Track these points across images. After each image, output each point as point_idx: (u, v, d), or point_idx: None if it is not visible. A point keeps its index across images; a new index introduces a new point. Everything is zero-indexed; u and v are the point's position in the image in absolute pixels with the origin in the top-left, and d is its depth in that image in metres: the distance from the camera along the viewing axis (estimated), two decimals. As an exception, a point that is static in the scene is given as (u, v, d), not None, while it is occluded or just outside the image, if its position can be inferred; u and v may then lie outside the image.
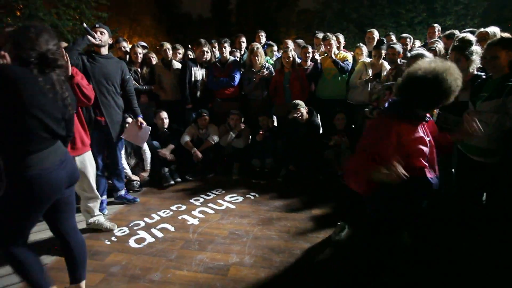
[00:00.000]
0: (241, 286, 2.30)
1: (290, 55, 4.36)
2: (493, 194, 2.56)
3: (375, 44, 4.39)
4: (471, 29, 3.65)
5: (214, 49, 5.08)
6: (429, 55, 2.85)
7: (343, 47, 4.84)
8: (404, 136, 1.77)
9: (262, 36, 5.52)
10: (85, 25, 3.25)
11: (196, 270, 2.49)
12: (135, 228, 3.17)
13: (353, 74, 4.24)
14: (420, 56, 2.72)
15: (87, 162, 2.85)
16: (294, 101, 4.17)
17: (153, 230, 3.12)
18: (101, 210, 3.31)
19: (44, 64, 1.64)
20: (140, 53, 4.60)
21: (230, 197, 3.81)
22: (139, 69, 4.60)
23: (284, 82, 4.43)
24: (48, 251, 2.66)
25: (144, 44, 5.13)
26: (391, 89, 2.88)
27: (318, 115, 4.64)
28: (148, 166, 4.24)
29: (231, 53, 4.89)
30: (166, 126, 4.48)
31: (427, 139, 1.84)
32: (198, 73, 4.60)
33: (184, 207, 3.58)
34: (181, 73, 4.60)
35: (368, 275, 2.25)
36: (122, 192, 3.74)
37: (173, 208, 3.57)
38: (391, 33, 5.11)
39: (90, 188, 2.94)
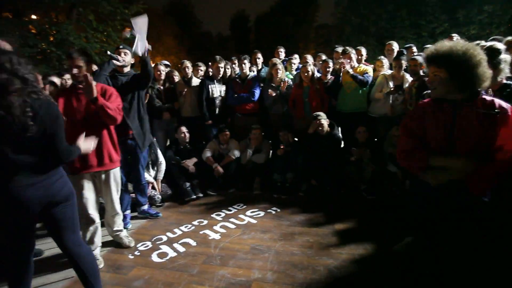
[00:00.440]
0: (264, 303, 2.28)
1: (309, 70, 4.40)
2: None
3: (395, 55, 4.35)
4: (497, 37, 3.54)
5: (234, 65, 5.18)
6: None
7: (364, 60, 4.81)
8: None
9: (281, 52, 5.61)
10: (109, 52, 3.36)
11: (218, 286, 2.48)
12: (157, 242, 3.20)
13: (374, 87, 4.20)
14: None
15: (111, 178, 2.90)
16: (315, 113, 4.17)
17: (175, 244, 3.14)
18: (125, 224, 3.38)
19: None
20: (162, 71, 4.77)
21: (252, 212, 3.80)
22: (161, 87, 4.76)
23: (304, 96, 4.45)
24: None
25: (167, 62, 5.32)
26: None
27: (339, 128, 4.60)
28: (161, 176, 4.33)
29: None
30: (187, 140, 4.57)
31: None
32: (216, 90, 4.67)
33: (205, 222, 3.60)
34: (199, 91, 4.69)
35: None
36: (145, 207, 3.80)
37: (195, 223, 3.59)
38: (412, 45, 5.01)
39: (111, 204, 2.99)
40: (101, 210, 3.08)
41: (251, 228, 3.42)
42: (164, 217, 3.81)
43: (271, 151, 4.72)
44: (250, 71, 4.92)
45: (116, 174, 2.96)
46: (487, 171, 1.66)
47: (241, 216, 3.70)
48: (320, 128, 4.11)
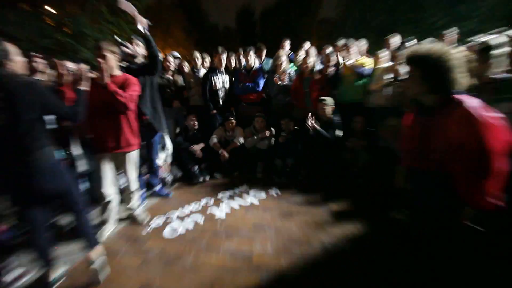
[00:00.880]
0: (263, 272, 2.37)
1: (308, 62, 4.40)
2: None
3: (395, 48, 4.29)
4: (498, 29, 3.46)
5: (240, 56, 5.18)
6: None
7: (365, 53, 4.76)
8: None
9: (286, 44, 5.58)
10: (119, 39, 3.37)
11: (223, 257, 2.58)
12: (169, 219, 3.30)
13: (373, 79, 4.18)
14: None
15: (128, 160, 3.02)
16: (322, 97, 4.17)
17: (185, 221, 3.24)
18: (140, 203, 3.50)
19: None
20: (172, 62, 4.79)
21: (254, 193, 3.87)
22: (171, 77, 4.79)
23: (304, 87, 4.47)
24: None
25: (177, 54, 5.33)
26: None
27: (339, 115, 4.61)
28: (169, 159, 4.42)
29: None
30: (196, 127, 4.64)
31: None
32: (219, 81, 4.65)
33: (212, 202, 3.69)
34: (203, 82, 4.70)
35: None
36: (158, 188, 3.91)
37: (202, 202, 3.68)
38: (410, 39, 4.94)
39: (129, 183, 3.12)
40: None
41: (254, 208, 3.50)
42: (175, 196, 3.90)
43: (273, 138, 4.79)
44: (254, 62, 4.93)
45: (133, 156, 3.05)
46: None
47: (245, 196, 3.79)
48: (322, 113, 4.12)
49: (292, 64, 5.14)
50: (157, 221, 3.26)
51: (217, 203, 3.66)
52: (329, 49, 4.70)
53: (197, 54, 4.97)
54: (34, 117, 1.90)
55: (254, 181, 4.27)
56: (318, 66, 4.68)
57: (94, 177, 3.08)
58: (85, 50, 10.33)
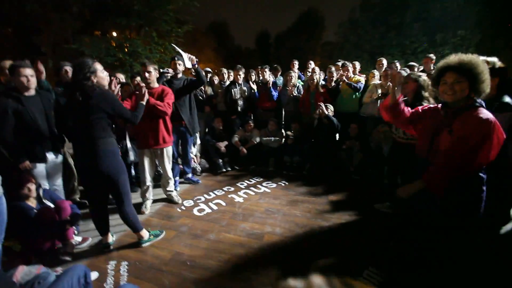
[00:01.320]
0: (272, 248, 2.32)
1: (315, 78, 4.28)
2: None
3: (383, 69, 4.15)
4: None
5: (260, 73, 5.09)
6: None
7: (359, 72, 4.62)
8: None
9: (295, 64, 5.48)
10: (161, 70, 3.45)
11: (240, 235, 2.54)
12: (197, 201, 3.28)
13: (366, 93, 4.04)
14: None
15: (165, 154, 3.01)
16: (326, 104, 4.01)
17: (210, 204, 3.21)
18: (175, 187, 3.49)
19: None
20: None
21: (267, 183, 3.81)
22: (203, 87, 4.76)
23: (310, 98, 4.35)
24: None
25: (209, 69, 5.30)
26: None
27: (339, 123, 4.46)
28: (198, 153, 4.45)
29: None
30: (221, 128, 4.60)
31: None
32: (237, 92, 4.53)
33: (232, 189, 3.64)
34: (225, 93, 4.63)
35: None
36: (189, 175, 3.89)
37: (225, 189, 3.64)
38: (396, 61, 4.76)
39: (165, 171, 3.11)
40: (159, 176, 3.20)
41: (266, 195, 3.44)
42: (203, 183, 3.88)
43: (283, 139, 4.69)
44: (269, 77, 4.85)
45: (168, 150, 3.05)
46: (439, 175, 1.50)
47: (259, 186, 3.73)
48: (321, 111, 3.94)
49: (299, 80, 5.02)
50: (187, 203, 3.25)
51: (237, 189, 3.62)
52: (332, 69, 4.58)
53: (224, 70, 4.93)
54: (103, 117, 2.00)
55: (266, 173, 4.20)
56: (322, 82, 4.55)
57: (138, 166, 3.15)
58: (138, 65, 10.53)
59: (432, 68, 4.16)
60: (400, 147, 2.58)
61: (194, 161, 4.29)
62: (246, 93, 4.60)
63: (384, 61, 4.45)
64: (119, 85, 3.39)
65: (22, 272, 1.51)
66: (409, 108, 1.88)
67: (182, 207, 3.13)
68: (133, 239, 2.43)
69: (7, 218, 1.78)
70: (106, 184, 2.12)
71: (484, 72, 1.42)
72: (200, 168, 4.28)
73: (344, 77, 4.28)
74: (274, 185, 3.75)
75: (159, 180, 3.28)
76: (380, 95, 3.80)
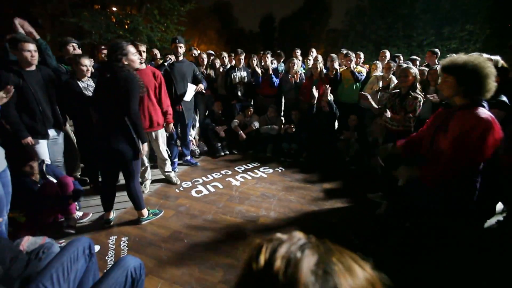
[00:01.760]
0: (266, 230, 2.41)
1: (318, 67, 4.25)
2: None
3: (386, 61, 4.12)
4: (476, 53, 3.25)
5: (262, 59, 5.03)
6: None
7: (362, 63, 4.58)
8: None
9: (297, 52, 5.41)
10: (166, 64, 3.38)
11: (236, 217, 2.63)
12: (195, 183, 3.35)
13: (367, 84, 4.03)
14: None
15: (159, 136, 3.03)
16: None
17: (208, 186, 3.28)
18: (173, 168, 3.55)
19: None
20: (205, 59, 4.70)
21: (264, 169, 3.86)
22: (204, 70, 4.71)
23: (312, 86, 4.32)
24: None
25: (212, 52, 5.20)
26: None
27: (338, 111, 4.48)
28: (197, 136, 4.47)
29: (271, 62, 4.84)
30: (220, 112, 4.61)
31: None
32: (237, 76, 4.48)
33: (230, 172, 3.70)
34: (224, 78, 4.59)
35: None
36: (188, 157, 3.95)
37: (222, 172, 3.70)
38: (400, 54, 4.71)
39: (160, 153, 3.13)
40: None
41: (262, 180, 3.50)
42: (201, 166, 3.93)
43: (282, 126, 4.70)
44: (271, 63, 4.80)
45: (162, 132, 3.06)
46: (434, 170, 1.57)
47: (256, 170, 3.78)
48: (324, 105, 3.97)
49: (302, 68, 4.97)
50: (186, 184, 3.31)
51: (234, 173, 3.68)
52: (333, 57, 4.52)
53: (224, 54, 4.87)
54: (122, 100, 2.06)
55: (264, 159, 4.24)
56: (324, 70, 4.50)
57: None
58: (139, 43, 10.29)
59: (437, 62, 4.12)
60: (392, 135, 2.62)
61: (193, 144, 4.33)
62: (246, 79, 4.56)
63: (387, 53, 4.41)
64: None
65: (28, 242, 1.59)
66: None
67: (181, 188, 3.20)
68: (133, 217, 2.51)
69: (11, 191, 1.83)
70: (120, 162, 2.20)
71: (477, 71, 1.44)
72: (198, 151, 4.33)
73: (347, 66, 4.25)
74: (271, 170, 3.81)
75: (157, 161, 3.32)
76: (381, 87, 3.79)
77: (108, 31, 9.58)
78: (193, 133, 4.41)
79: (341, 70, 4.29)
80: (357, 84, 4.18)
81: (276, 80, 4.55)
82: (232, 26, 29.70)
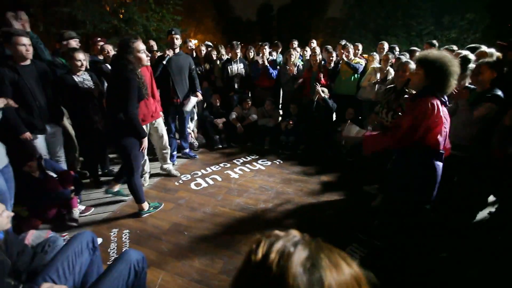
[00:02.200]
0: (264, 222, 2.47)
1: (317, 58, 4.23)
2: (463, 178, 2.43)
3: (385, 53, 4.10)
4: (473, 45, 3.23)
5: (260, 50, 4.99)
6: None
7: (360, 54, 4.55)
8: (438, 111, 1.63)
9: (295, 43, 5.36)
10: (164, 62, 3.34)
11: (234, 209, 2.68)
12: (194, 176, 3.39)
13: (364, 76, 4.02)
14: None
15: (162, 122, 3.03)
16: (322, 88, 4.06)
17: (206, 178, 3.32)
18: (172, 161, 3.58)
19: None
20: (203, 50, 4.66)
21: (262, 161, 3.89)
22: (202, 62, 4.66)
23: (312, 78, 4.33)
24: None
25: (209, 43, 5.13)
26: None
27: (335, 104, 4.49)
28: (195, 129, 4.51)
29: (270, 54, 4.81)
30: (218, 104, 4.60)
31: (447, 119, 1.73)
32: (234, 69, 4.44)
33: (228, 165, 3.73)
34: (221, 70, 4.55)
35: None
36: (187, 150, 3.96)
37: (221, 165, 3.74)
38: (395, 46, 4.70)
39: (163, 142, 3.13)
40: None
41: (261, 172, 3.54)
42: (200, 159, 3.96)
43: (279, 118, 4.72)
44: (270, 55, 4.77)
45: (161, 122, 3.04)
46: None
47: (254, 163, 3.82)
48: (318, 94, 4.00)
49: (299, 60, 4.93)
50: (185, 177, 3.35)
51: (232, 166, 3.71)
52: (330, 49, 4.50)
53: (221, 47, 4.81)
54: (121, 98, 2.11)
55: (262, 152, 4.27)
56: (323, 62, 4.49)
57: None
58: (133, 33, 10.08)
59: None
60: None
61: (192, 137, 4.35)
62: (242, 71, 4.53)
63: (386, 45, 4.39)
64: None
65: (33, 235, 1.63)
66: None
67: (180, 181, 3.24)
68: (134, 210, 2.56)
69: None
70: (120, 155, 2.30)
71: (443, 68, 1.58)
72: (197, 144, 4.35)
73: (344, 57, 4.25)
74: (269, 163, 3.85)
75: (155, 154, 3.34)
76: (378, 79, 3.79)
77: (103, 20, 9.37)
78: (191, 126, 4.42)
79: (340, 62, 4.28)
80: (355, 75, 4.18)
81: (273, 72, 4.54)
82: (229, 15, 29.10)
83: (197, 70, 4.50)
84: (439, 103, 1.64)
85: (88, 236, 1.39)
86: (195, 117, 4.55)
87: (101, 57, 3.53)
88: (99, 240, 2.09)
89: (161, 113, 3.03)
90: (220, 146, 4.37)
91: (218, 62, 4.71)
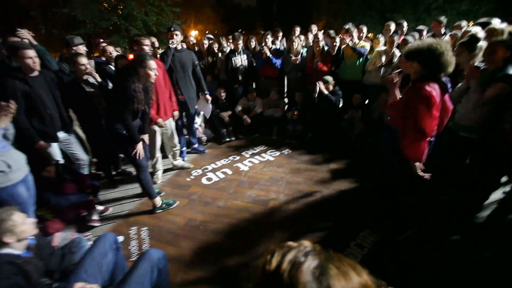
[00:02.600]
0: (276, 213, 2.53)
1: (320, 45, 4.14)
2: (474, 160, 2.40)
3: (390, 34, 3.96)
4: (483, 20, 3.08)
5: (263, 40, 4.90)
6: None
7: (365, 37, 4.40)
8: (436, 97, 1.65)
9: (297, 30, 5.23)
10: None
11: (246, 201, 2.74)
12: (205, 170, 3.45)
13: (369, 60, 3.92)
14: None
15: (172, 122, 3.13)
16: (325, 77, 3.98)
17: (217, 172, 3.38)
18: (182, 157, 3.65)
19: None
20: (205, 44, 4.62)
21: (270, 152, 3.91)
22: (205, 56, 4.64)
23: (314, 65, 4.24)
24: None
25: (211, 36, 5.08)
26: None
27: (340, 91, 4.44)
28: (202, 124, 4.54)
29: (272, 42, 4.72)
30: (223, 97, 4.60)
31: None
32: (238, 60, 4.40)
33: (238, 158, 3.77)
34: (225, 62, 4.52)
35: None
36: (196, 145, 4.02)
37: (230, 158, 3.78)
38: (402, 21, 4.48)
39: (173, 140, 3.24)
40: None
41: (270, 163, 3.57)
42: (209, 153, 4.01)
43: (286, 107, 4.69)
44: (272, 44, 4.68)
45: (171, 120, 3.14)
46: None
47: (263, 154, 3.84)
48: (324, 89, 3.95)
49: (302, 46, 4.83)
50: (196, 172, 3.41)
51: (242, 158, 3.75)
52: (332, 33, 4.38)
53: (222, 39, 4.75)
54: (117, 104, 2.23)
55: (270, 142, 4.28)
56: (326, 48, 4.38)
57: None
58: (134, 29, 10.03)
59: (443, 32, 3.95)
60: None
61: (199, 131, 4.39)
62: (246, 62, 4.47)
63: (392, 26, 4.21)
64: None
65: (59, 237, 1.73)
66: None
67: (191, 177, 3.31)
68: (149, 207, 2.65)
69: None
70: (124, 154, 2.50)
71: (431, 53, 1.62)
72: (205, 138, 4.40)
73: (348, 41, 4.13)
74: (278, 153, 3.86)
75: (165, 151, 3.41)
76: (384, 62, 3.70)
77: (102, 18, 9.34)
78: (198, 121, 4.46)
79: (342, 47, 4.17)
80: (360, 60, 4.08)
81: (276, 61, 4.48)
82: (228, 2, 28.40)
83: (200, 65, 4.49)
84: (437, 87, 1.67)
85: (111, 238, 1.47)
86: (201, 112, 4.57)
87: (103, 59, 3.57)
88: (120, 238, 2.20)
89: (175, 112, 3.14)
90: (228, 140, 4.40)
91: (220, 54, 4.68)
